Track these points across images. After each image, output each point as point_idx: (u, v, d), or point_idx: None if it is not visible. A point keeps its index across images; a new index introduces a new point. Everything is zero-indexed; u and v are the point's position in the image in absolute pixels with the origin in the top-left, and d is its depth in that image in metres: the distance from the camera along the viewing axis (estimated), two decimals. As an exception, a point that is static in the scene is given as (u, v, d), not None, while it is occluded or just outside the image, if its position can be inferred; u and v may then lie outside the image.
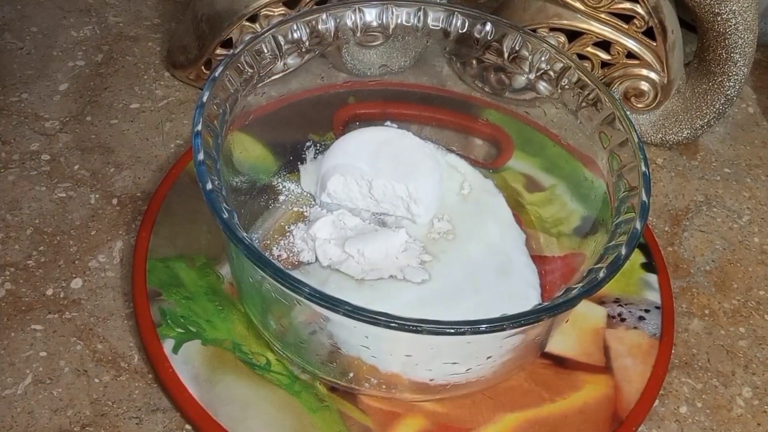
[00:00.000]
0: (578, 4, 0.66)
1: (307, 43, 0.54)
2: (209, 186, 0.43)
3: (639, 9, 0.65)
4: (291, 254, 0.56)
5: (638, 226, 0.44)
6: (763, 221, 0.66)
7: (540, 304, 0.43)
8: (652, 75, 0.68)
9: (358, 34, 0.56)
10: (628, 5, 0.65)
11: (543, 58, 0.55)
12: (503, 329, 0.39)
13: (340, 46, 0.57)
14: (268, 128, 0.56)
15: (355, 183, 0.57)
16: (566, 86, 0.54)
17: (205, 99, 0.47)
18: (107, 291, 0.55)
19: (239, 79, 0.50)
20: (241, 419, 0.49)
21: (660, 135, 0.70)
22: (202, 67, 0.68)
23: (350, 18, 0.55)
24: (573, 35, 0.68)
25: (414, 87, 0.63)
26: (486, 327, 0.39)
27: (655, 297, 0.58)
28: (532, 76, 0.56)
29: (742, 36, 0.63)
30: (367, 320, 0.38)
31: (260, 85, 0.53)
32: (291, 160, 0.61)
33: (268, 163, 0.60)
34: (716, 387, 0.55)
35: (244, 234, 0.42)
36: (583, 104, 0.53)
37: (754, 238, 0.65)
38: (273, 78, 0.54)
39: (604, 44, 0.67)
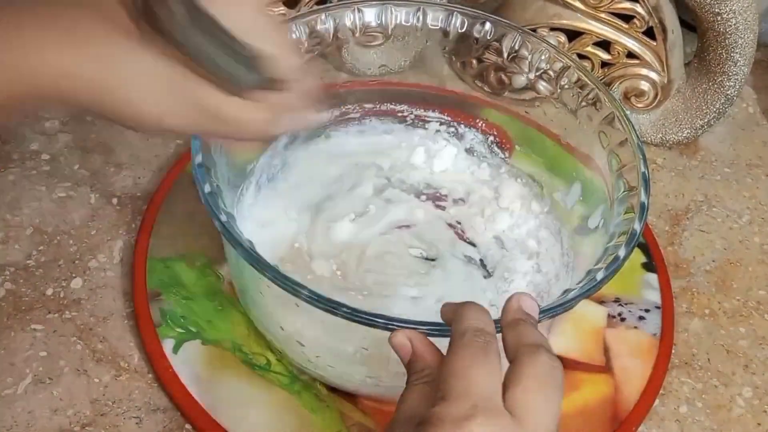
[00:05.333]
0: (578, 4, 0.66)
1: (306, 44, 0.54)
2: (207, 189, 0.43)
3: (639, 9, 0.65)
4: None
5: (637, 226, 0.44)
6: (763, 221, 0.66)
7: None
8: (652, 75, 0.67)
9: (358, 34, 0.56)
10: (628, 5, 0.65)
11: (542, 58, 0.55)
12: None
13: (340, 46, 0.57)
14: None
15: None
16: (566, 86, 0.54)
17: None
18: (107, 291, 0.55)
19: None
20: (241, 419, 0.49)
21: (660, 135, 0.70)
22: (202, 67, 0.68)
23: (349, 18, 0.55)
24: (573, 35, 0.68)
25: (414, 87, 0.63)
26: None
27: (655, 297, 0.58)
28: (531, 76, 0.56)
29: (742, 35, 0.63)
30: (366, 322, 0.38)
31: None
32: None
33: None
34: (716, 387, 0.55)
35: (243, 236, 0.42)
36: (583, 104, 0.53)
37: (754, 238, 0.65)
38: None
39: (604, 44, 0.67)
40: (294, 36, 0.53)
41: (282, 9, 0.65)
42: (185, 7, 0.33)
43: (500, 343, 0.35)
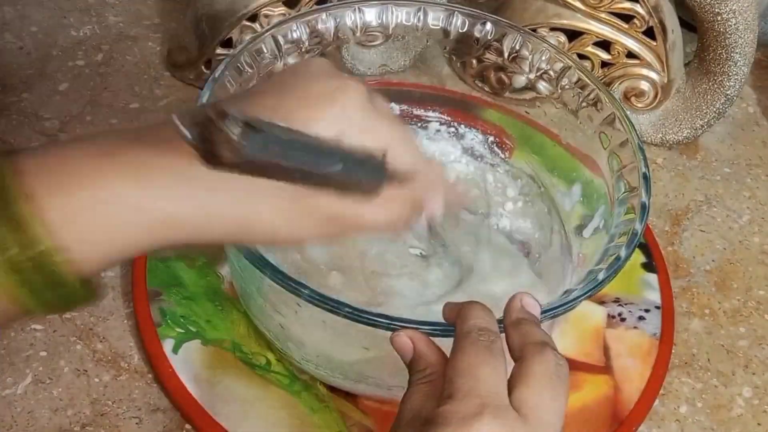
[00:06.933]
0: (578, 4, 0.66)
1: (306, 43, 0.54)
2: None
3: (639, 9, 0.65)
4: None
5: (638, 227, 0.44)
6: (763, 221, 0.66)
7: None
8: (652, 75, 0.67)
9: (358, 34, 0.56)
10: (628, 5, 0.65)
11: (543, 58, 0.55)
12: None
13: (340, 46, 0.57)
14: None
15: None
16: (566, 86, 0.54)
17: (205, 99, 0.47)
18: (107, 291, 0.55)
19: (239, 79, 0.50)
20: (241, 419, 0.49)
21: (660, 135, 0.70)
22: (202, 67, 0.68)
23: (350, 18, 0.55)
24: (573, 35, 0.68)
25: (414, 87, 0.63)
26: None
27: (655, 297, 0.58)
28: (532, 76, 0.56)
29: (742, 35, 0.63)
30: (368, 322, 0.38)
31: (260, 85, 0.53)
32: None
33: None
34: (716, 387, 0.55)
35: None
36: (584, 104, 0.53)
37: (754, 238, 0.65)
38: (273, 78, 0.54)
39: (604, 44, 0.67)
40: (295, 35, 0.53)
41: (282, 9, 0.65)
42: (245, 132, 0.30)
43: (504, 343, 0.35)
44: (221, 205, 0.34)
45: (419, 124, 0.62)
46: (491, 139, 0.62)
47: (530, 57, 0.55)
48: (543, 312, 0.39)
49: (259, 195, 0.34)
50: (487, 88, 0.61)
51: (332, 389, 0.50)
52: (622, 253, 0.43)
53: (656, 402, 0.53)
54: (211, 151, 0.29)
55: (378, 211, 0.37)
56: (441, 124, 0.62)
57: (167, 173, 0.33)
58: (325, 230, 0.37)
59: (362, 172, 0.35)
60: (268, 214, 0.35)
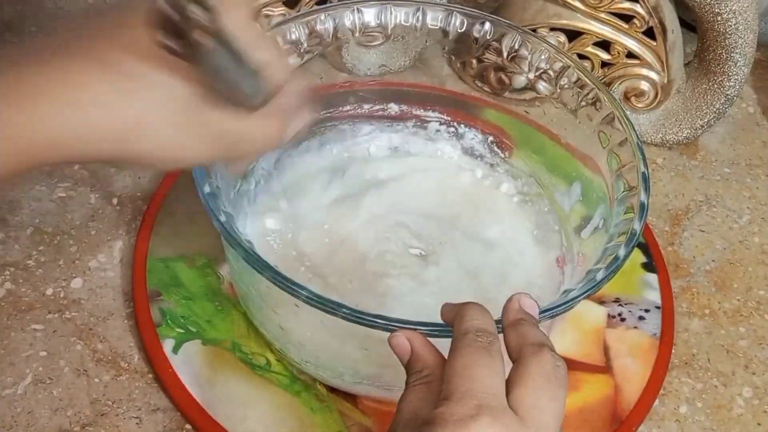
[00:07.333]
0: (578, 4, 0.66)
1: (305, 44, 0.54)
2: (207, 189, 0.43)
3: (639, 9, 0.65)
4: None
5: (637, 226, 0.44)
6: (763, 221, 0.66)
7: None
8: (652, 75, 0.67)
9: (357, 34, 0.56)
10: (628, 5, 0.65)
11: (542, 58, 0.55)
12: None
13: (340, 46, 0.57)
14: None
15: None
16: (566, 86, 0.54)
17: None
18: (107, 291, 0.55)
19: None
20: (241, 419, 0.49)
21: (660, 135, 0.70)
22: (202, 67, 0.68)
23: (349, 18, 0.55)
24: (573, 35, 0.67)
25: (414, 87, 0.63)
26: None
27: (655, 297, 0.58)
28: (531, 76, 0.56)
29: (742, 36, 0.63)
30: (366, 323, 0.38)
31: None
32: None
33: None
34: (716, 387, 0.55)
35: (242, 237, 0.42)
36: (583, 104, 0.53)
37: (754, 238, 0.65)
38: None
39: (604, 44, 0.67)
40: (294, 36, 0.53)
41: (282, 9, 0.65)
42: (213, 31, 0.32)
43: (502, 344, 0.35)
44: (104, 110, 0.33)
45: (419, 124, 0.62)
46: (491, 138, 0.62)
47: (529, 57, 0.55)
48: (542, 312, 0.39)
49: (149, 100, 0.34)
50: (486, 88, 0.61)
51: (332, 389, 0.50)
52: (621, 252, 0.43)
53: (656, 402, 0.53)
54: (177, 44, 0.31)
55: (262, 126, 0.38)
56: (441, 124, 0.62)
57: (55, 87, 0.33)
58: (214, 147, 0.37)
59: (256, 86, 0.36)
60: (158, 121, 0.34)
